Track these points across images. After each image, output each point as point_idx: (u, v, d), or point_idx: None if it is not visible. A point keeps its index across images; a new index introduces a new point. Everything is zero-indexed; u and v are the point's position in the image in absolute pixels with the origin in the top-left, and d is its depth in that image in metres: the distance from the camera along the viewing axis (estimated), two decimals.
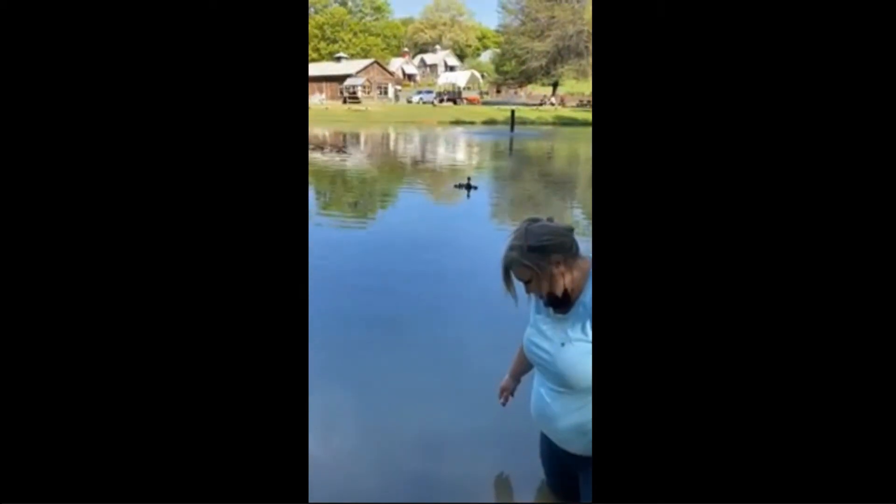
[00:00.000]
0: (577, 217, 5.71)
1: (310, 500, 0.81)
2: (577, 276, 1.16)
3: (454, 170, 9.65)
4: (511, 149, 13.98)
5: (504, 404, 1.52)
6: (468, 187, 6.75)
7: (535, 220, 1.19)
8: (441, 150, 13.64)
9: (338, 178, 8.65)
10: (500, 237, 1.21)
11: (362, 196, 7.34)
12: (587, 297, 1.16)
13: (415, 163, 11.09)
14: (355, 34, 46.56)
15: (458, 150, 13.64)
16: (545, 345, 1.22)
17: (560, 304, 1.18)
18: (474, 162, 11.37)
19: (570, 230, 1.19)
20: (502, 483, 1.60)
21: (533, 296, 1.25)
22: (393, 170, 9.96)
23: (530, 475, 1.54)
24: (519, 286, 1.20)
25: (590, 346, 1.13)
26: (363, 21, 48.95)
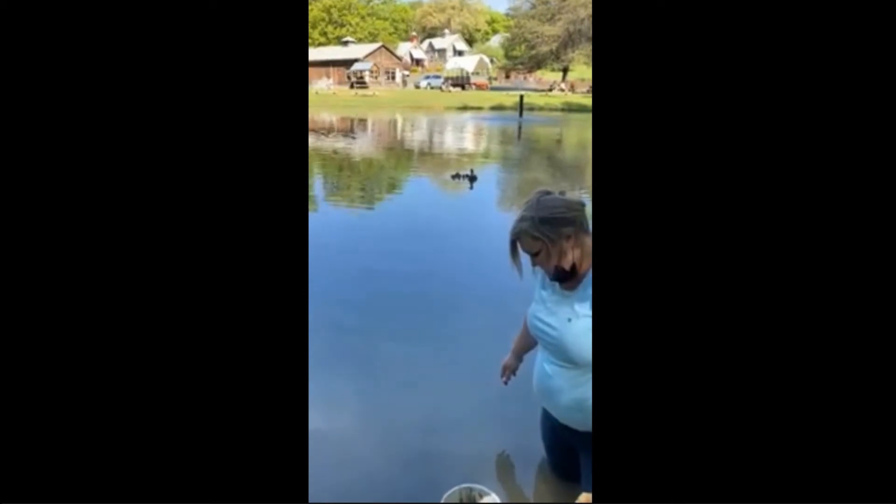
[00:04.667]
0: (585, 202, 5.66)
1: (309, 485, 0.81)
2: (586, 252, 1.16)
3: (461, 156, 9.59)
4: (519, 135, 13.86)
5: (506, 383, 1.53)
6: (470, 178, 6.34)
7: (548, 193, 1.18)
8: (448, 137, 13.54)
9: (345, 163, 8.63)
10: (503, 224, 1.20)
11: (369, 181, 7.31)
12: None
13: (422, 149, 11.03)
14: (363, 18, 46.05)
15: (465, 136, 13.54)
16: (551, 320, 1.22)
17: (567, 278, 1.18)
18: (481, 148, 11.29)
19: (582, 205, 1.19)
20: (503, 461, 1.62)
21: (539, 272, 1.25)
22: (399, 156, 9.92)
23: (532, 454, 1.55)
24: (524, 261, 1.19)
25: None
26: (371, 4, 48.39)
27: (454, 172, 6.67)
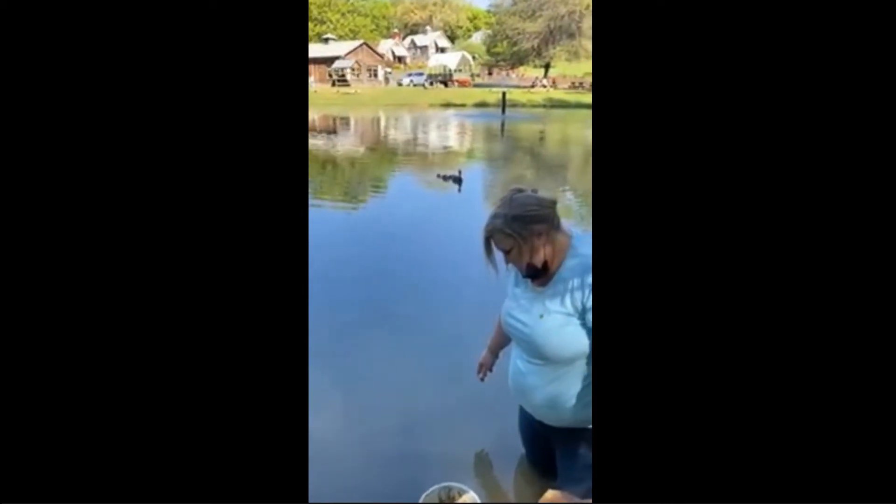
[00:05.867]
0: (569, 199, 5.72)
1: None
2: (558, 249, 1.18)
3: (446, 153, 9.58)
4: (502, 131, 13.90)
5: (483, 379, 1.54)
6: (456, 180, 6.06)
7: (520, 191, 1.19)
8: (433, 134, 13.52)
9: (328, 163, 8.56)
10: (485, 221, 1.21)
11: (352, 181, 7.27)
12: (566, 270, 1.17)
13: (406, 147, 11.00)
14: (343, 15, 45.65)
15: (449, 134, 13.54)
16: (523, 317, 1.23)
17: (539, 275, 1.19)
18: (466, 145, 11.30)
19: (554, 202, 1.20)
20: (482, 459, 1.63)
21: (512, 269, 1.26)
22: (384, 154, 9.87)
23: (512, 450, 1.57)
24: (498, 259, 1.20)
25: (567, 318, 1.15)
26: (351, 1, 47.96)
27: (440, 173, 6.49)
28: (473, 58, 39.00)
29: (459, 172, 6.26)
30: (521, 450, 1.54)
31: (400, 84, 32.20)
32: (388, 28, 49.54)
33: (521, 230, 1.14)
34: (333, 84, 31.02)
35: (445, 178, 6.33)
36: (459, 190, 6.02)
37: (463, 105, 22.17)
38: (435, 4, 50.77)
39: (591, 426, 1.21)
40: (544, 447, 1.38)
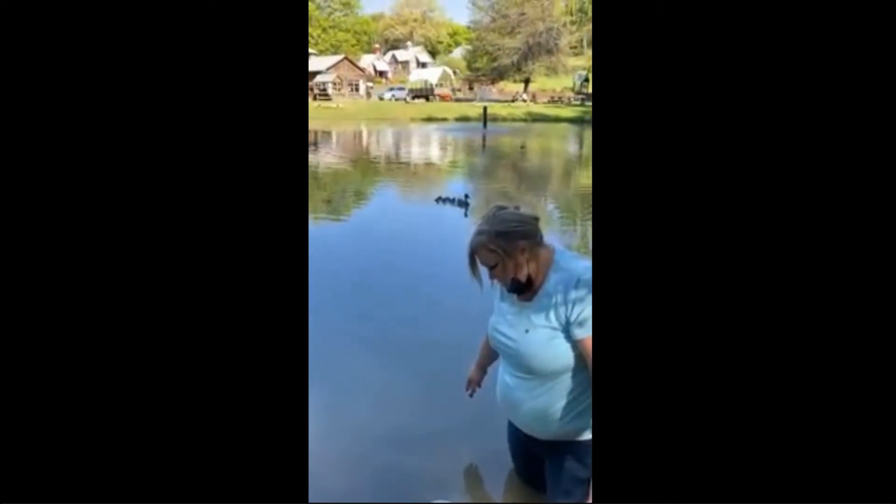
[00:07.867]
0: (551, 211, 5.78)
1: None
2: (541, 264, 1.20)
3: (429, 167, 9.62)
4: (484, 145, 14.04)
5: (472, 395, 1.54)
6: (462, 203, 5.43)
7: (503, 208, 1.21)
8: (415, 148, 13.59)
9: (310, 176, 8.52)
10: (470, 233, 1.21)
11: (334, 194, 7.24)
12: (550, 284, 1.18)
13: (389, 160, 11.02)
14: (324, 30, 45.84)
15: (431, 148, 13.62)
16: (509, 332, 1.24)
17: (523, 290, 1.21)
18: (448, 159, 11.37)
19: (536, 218, 1.23)
20: (472, 473, 1.62)
21: (498, 284, 1.27)
22: (366, 168, 9.87)
23: (500, 465, 1.56)
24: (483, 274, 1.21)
25: (552, 332, 1.17)
26: (332, 16, 48.25)
27: (441, 195, 5.80)
28: (454, 73, 39.48)
29: (466, 196, 5.59)
30: (511, 464, 1.54)
31: (381, 98, 32.35)
32: (369, 43, 49.89)
33: (505, 246, 1.16)
34: (315, 98, 31.00)
35: (446, 200, 5.66)
36: (466, 214, 5.41)
37: (445, 119, 22.36)
38: (415, 20, 51.39)
39: (578, 438, 1.23)
40: (533, 460, 1.39)
